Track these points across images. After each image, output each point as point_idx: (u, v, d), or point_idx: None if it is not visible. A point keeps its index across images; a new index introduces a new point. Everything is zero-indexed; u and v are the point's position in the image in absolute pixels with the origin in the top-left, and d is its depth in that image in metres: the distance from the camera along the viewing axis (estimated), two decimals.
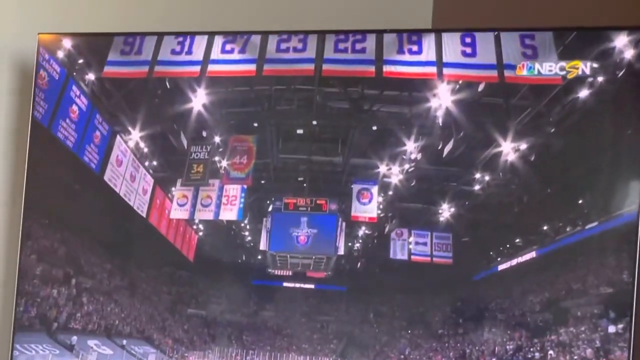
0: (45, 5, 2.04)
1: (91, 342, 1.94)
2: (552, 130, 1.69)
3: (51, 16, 2.03)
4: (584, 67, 1.60)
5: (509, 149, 1.74)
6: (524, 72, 1.63)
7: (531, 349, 1.74)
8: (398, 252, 1.88)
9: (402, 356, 1.86)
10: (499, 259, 1.79)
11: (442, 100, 1.76)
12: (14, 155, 2.03)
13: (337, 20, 1.91)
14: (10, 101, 2.04)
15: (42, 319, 1.94)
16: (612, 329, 1.61)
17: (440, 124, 1.78)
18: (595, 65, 1.59)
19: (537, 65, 1.63)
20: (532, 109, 1.70)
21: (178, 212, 1.97)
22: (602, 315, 1.62)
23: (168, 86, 1.93)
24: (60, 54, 1.96)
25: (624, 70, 1.58)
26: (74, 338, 1.94)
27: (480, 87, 1.74)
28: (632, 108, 1.59)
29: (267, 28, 1.87)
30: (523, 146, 1.72)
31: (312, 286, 1.90)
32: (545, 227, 1.74)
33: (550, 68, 1.62)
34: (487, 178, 1.78)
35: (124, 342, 1.96)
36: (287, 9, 1.99)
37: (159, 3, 2.06)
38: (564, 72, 1.62)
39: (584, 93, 1.64)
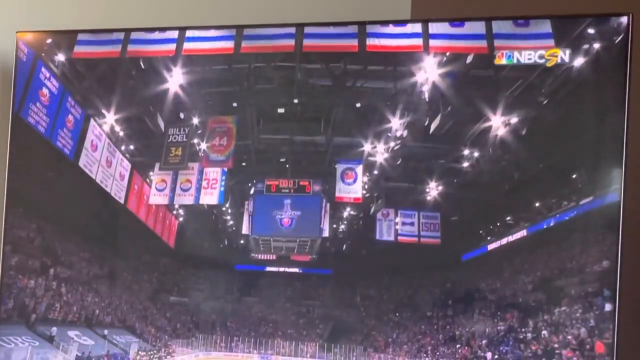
0: (23, 3, 1.88)
1: (72, 333, 1.80)
2: (545, 102, 1.53)
3: (29, 13, 1.87)
4: (563, 54, 1.49)
5: (499, 124, 1.58)
6: (503, 61, 1.52)
7: (523, 330, 1.61)
8: (384, 233, 1.74)
9: (390, 339, 1.73)
10: (489, 238, 1.65)
11: (429, 74, 1.60)
12: None
13: (314, 8, 1.76)
14: None
15: (20, 311, 1.79)
16: (608, 307, 1.48)
17: (427, 99, 1.63)
18: (577, 48, 1.46)
19: (516, 54, 1.52)
20: (523, 80, 1.54)
21: (157, 198, 1.81)
22: (597, 294, 1.49)
23: (142, 66, 1.76)
24: (28, 35, 1.79)
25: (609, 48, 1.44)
26: (54, 329, 1.79)
27: (469, 59, 1.58)
28: (613, 86, 1.45)
29: (242, 17, 1.72)
30: (514, 120, 1.57)
31: (296, 270, 1.76)
32: (537, 204, 1.60)
33: (529, 56, 1.52)
34: (476, 154, 1.63)
35: (106, 332, 1.82)
36: None
37: None
38: (543, 60, 1.51)
39: (578, 62, 1.49)
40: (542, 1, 1.60)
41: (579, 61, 1.48)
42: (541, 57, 1.51)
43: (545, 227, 1.59)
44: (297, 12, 1.76)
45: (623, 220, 1.44)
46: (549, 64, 1.50)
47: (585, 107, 1.51)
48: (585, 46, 1.47)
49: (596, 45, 1.47)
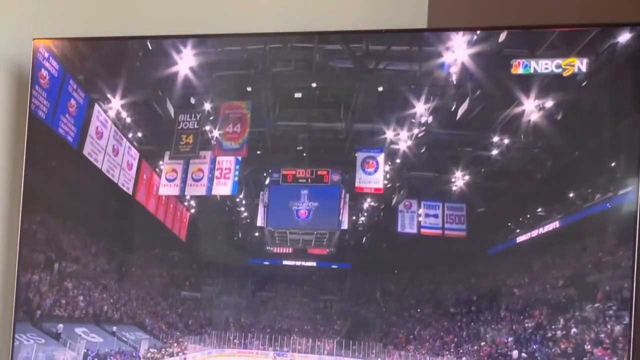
0: (41, 11, 1.67)
1: (79, 330, 1.60)
2: (584, 83, 1.33)
3: (45, 20, 1.66)
4: (580, 64, 1.32)
5: (532, 108, 1.38)
6: (520, 71, 1.36)
7: (552, 327, 1.42)
8: (407, 225, 1.54)
9: (411, 336, 1.54)
10: (518, 230, 1.45)
11: (457, 54, 1.40)
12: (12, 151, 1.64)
13: (331, 19, 1.56)
14: (7, 101, 1.65)
15: (25, 307, 1.59)
16: None
17: (455, 82, 1.42)
18: (595, 57, 1.30)
19: (532, 64, 1.36)
20: (562, 59, 1.34)
21: (167, 188, 1.60)
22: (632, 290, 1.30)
23: (150, 47, 1.55)
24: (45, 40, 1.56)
25: None
26: (60, 326, 1.59)
27: (502, 38, 1.38)
28: None
29: (261, 27, 1.53)
30: (549, 103, 1.36)
31: (314, 264, 1.56)
32: (571, 195, 1.40)
33: (546, 66, 1.35)
34: (506, 141, 1.42)
35: (114, 328, 1.62)
36: (282, 7, 1.64)
37: (151, 6, 1.69)
38: (560, 70, 1.34)
39: (624, 37, 1.29)
40: (558, 8, 1.42)
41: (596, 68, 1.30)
42: (558, 66, 1.34)
43: (579, 218, 1.40)
44: (311, 21, 1.56)
45: None
46: (565, 74, 1.34)
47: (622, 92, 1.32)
48: (603, 55, 1.30)
49: (614, 54, 1.29)
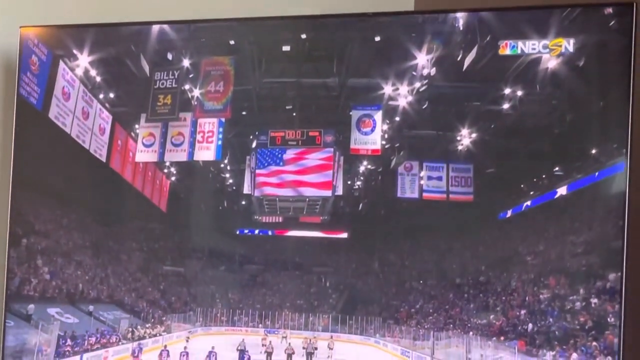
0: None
1: (52, 311, 1.34)
2: (612, 23, 1.07)
3: (32, 8, 1.37)
4: (567, 44, 1.11)
5: (550, 54, 1.12)
6: (507, 51, 1.15)
7: (570, 298, 1.18)
8: (407, 189, 1.29)
9: (412, 310, 1.30)
10: (532, 192, 1.20)
11: None
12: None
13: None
14: None
15: None
16: None
17: (461, 28, 1.15)
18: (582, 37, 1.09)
19: (520, 44, 1.15)
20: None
21: (144, 154, 1.33)
22: None
23: None
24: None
25: None
26: (31, 307, 1.33)
27: None
28: None
29: (247, 10, 1.26)
30: (570, 48, 1.11)
31: (306, 233, 1.31)
32: (593, 151, 1.14)
33: (533, 46, 1.14)
34: (519, 93, 1.16)
35: (91, 308, 1.36)
36: None
37: None
38: (547, 50, 1.12)
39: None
40: None
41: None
42: (545, 47, 1.12)
43: (601, 179, 1.15)
44: (295, 3, 1.29)
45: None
46: (552, 54, 1.12)
47: None
48: (591, 35, 1.08)
49: (600, 34, 1.07)
